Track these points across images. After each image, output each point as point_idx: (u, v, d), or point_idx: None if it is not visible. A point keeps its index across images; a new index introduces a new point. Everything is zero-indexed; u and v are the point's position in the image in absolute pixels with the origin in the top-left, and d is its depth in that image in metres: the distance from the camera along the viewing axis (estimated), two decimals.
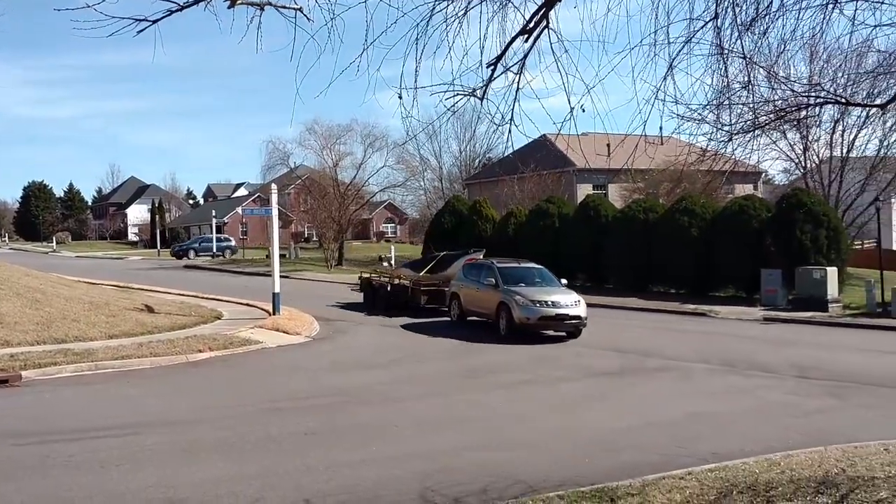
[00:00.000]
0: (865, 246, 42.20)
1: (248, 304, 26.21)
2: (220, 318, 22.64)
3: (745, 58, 5.78)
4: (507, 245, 35.64)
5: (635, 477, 8.31)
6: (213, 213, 72.74)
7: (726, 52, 5.86)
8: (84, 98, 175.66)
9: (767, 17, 5.90)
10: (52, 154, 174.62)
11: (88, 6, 4.69)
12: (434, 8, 5.59)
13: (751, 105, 6.53)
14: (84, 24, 4.75)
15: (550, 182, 44.71)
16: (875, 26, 6.34)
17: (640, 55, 5.78)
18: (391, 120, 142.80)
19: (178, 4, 5.05)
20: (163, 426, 11.00)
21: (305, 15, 5.37)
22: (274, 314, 22.81)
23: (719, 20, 5.67)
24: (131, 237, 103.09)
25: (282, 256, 40.56)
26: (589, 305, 21.05)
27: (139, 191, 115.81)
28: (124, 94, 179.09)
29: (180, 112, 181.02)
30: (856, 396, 13.61)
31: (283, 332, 20.30)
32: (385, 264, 40.40)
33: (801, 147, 37.18)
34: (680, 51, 5.79)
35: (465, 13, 5.62)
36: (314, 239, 70.48)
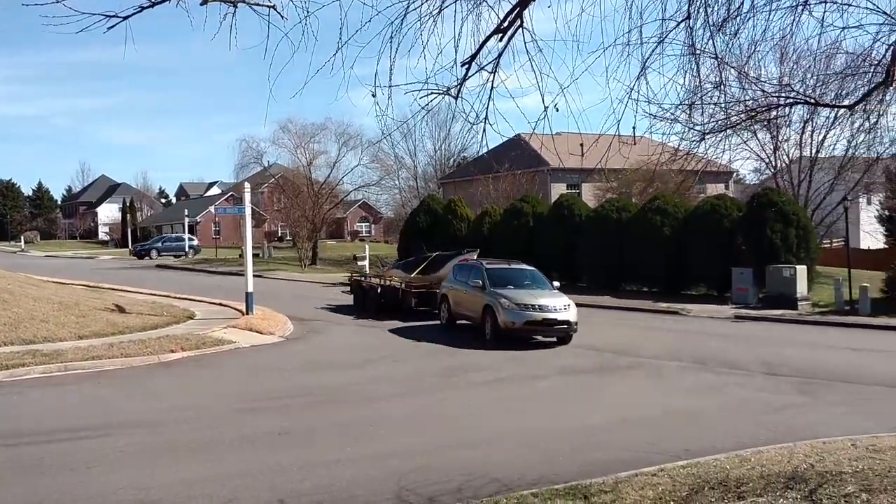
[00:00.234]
0: (834, 245, 42.85)
1: (221, 304, 25.99)
2: (192, 318, 22.43)
3: (716, 58, 5.85)
4: (481, 244, 35.63)
5: (609, 474, 8.37)
6: (186, 212, 72.06)
7: (698, 52, 5.92)
8: (54, 96, 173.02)
9: (738, 17, 5.97)
10: (20, 152, 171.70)
11: (58, 1, 4.63)
12: (408, 6, 5.59)
13: (722, 105, 6.61)
14: (54, 20, 4.69)
15: (525, 181, 44.85)
16: (843, 28, 6.45)
17: (613, 55, 5.82)
18: (366, 118, 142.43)
19: (150, 1, 5.00)
20: (135, 427, 10.88)
21: (279, 13, 5.35)
22: (247, 314, 22.65)
23: (691, 20, 5.73)
24: (102, 236, 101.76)
25: (255, 256, 40.25)
26: None
27: (110, 189, 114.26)
28: (95, 91, 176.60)
29: (152, 110, 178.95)
30: (824, 393, 13.81)
31: (257, 331, 20.17)
32: (360, 263, 40.29)
33: (772, 147, 37.64)
34: (653, 51, 5.85)
35: (439, 12, 5.63)
36: (288, 238, 70.15)
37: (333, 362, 17.16)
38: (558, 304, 19.10)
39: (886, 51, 6.60)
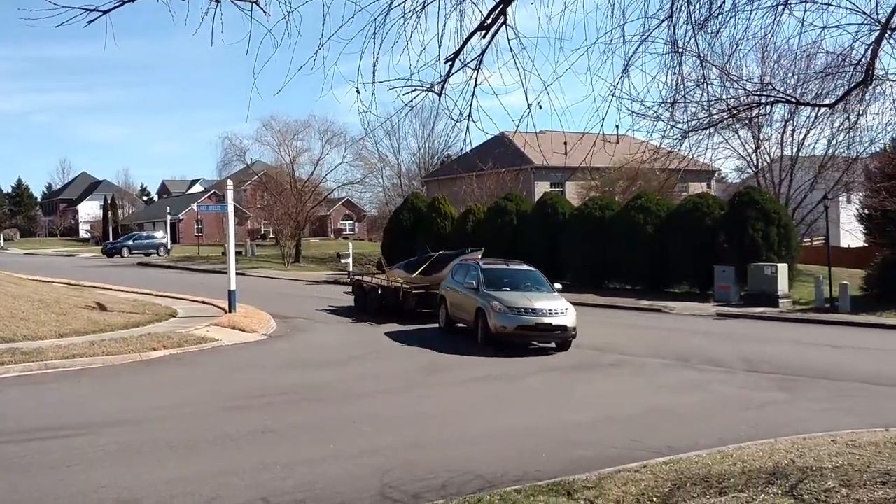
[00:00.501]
0: (815, 243, 43.23)
1: (203, 302, 25.85)
2: (174, 316, 22.29)
3: (699, 56, 5.88)
4: (465, 242, 35.71)
5: (592, 471, 8.41)
6: (168, 210, 71.64)
7: (681, 50, 5.95)
8: (32, 91, 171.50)
9: (720, 16, 6.02)
10: None
11: None
12: (392, 3, 5.58)
13: (704, 103, 6.65)
14: (32, 14, 4.64)
15: (509, 179, 44.94)
16: (823, 28, 6.51)
17: (596, 53, 5.85)
18: (350, 116, 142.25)
19: None
20: (116, 426, 10.80)
21: (262, 8, 5.32)
22: (230, 312, 22.53)
23: (674, 18, 5.75)
24: (83, 234, 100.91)
25: (238, 254, 40.04)
26: None
27: (91, 187, 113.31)
28: (75, 87, 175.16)
29: (133, 107, 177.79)
30: (805, 389, 13.94)
31: (240, 329, 20.07)
32: (343, 262, 40.18)
33: (754, 146, 37.94)
34: (636, 49, 5.87)
35: (422, 8, 5.62)
36: (271, 236, 69.79)
37: (317, 360, 17.10)
38: (555, 308, 17.79)
39: (866, 50, 6.66)
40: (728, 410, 12.40)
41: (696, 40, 5.90)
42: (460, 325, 20.16)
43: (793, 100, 7.51)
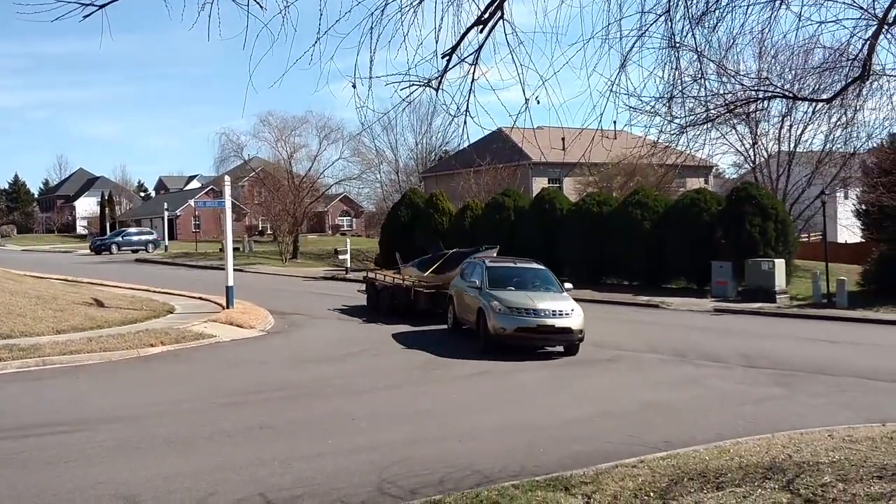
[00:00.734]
0: (812, 238, 43.27)
1: (201, 298, 25.85)
2: (172, 312, 22.29)
3: (696, 51, 5.88)
4: (463, 238, 35.74)
5: (589, 466, 8.43)
6: (166, 206, 71.54)
7: (678, 45, 5.94)
8: (29, 87, 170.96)
9: (717, 11, 6.01)
10: None
11: None
12: None
13: (702, 98, 6.65)
14: (28, 8, 4.62)
15: (506, 175, 44.91)
16: (820, 23, 6.51)
17: (593, 48, 5.84)
18: (347, 112, 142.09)
19: None
20: (113, 422, 10.79)
21: (258, 2, 5.30)
22: (228, 308, 22.52)
23: (671, 13, 5.75)
24: (80, 230, 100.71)
25: (236, 250, 40.05)
26: None
27: (88, 183, 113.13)
28: (72, 83, 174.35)
29: (130, 103, 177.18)
30: (802, 385, 13.97)
31: (237, 325, 20.06)
32: (341, 258, 40.20)
33: (751, 142, 37.94)
34: (633, 44, 5.87)
35: (420, 3, 5.61)
36: (269, 232, 69.74)
37: (314, 356, 17.10)
38: (559, 309, 16.70)
39: (863, 45, 6.66)
40: (725, 406, 12.42)
41: (693, 35, 5.90)
42: (466, 326, 18.94)
43: (790, 95, 7.52)
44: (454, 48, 5.70)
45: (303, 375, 14.81)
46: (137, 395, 12.76)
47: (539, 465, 8.74)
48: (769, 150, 38.43)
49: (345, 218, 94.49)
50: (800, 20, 6.29)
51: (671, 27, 5.83)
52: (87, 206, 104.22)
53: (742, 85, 7.43)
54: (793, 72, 13.48)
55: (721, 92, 7.03)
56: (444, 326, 20.16)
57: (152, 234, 65.76)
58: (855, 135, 32.37)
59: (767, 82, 7.70)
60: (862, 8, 6.68)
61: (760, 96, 7.12)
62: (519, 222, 36.02)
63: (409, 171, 71.72)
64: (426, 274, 22.87)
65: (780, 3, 6.14)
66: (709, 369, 15.46)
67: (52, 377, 13.90)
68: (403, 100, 5.91)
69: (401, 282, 23.13)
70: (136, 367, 15.14)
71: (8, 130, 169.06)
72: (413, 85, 5.73)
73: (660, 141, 7.40)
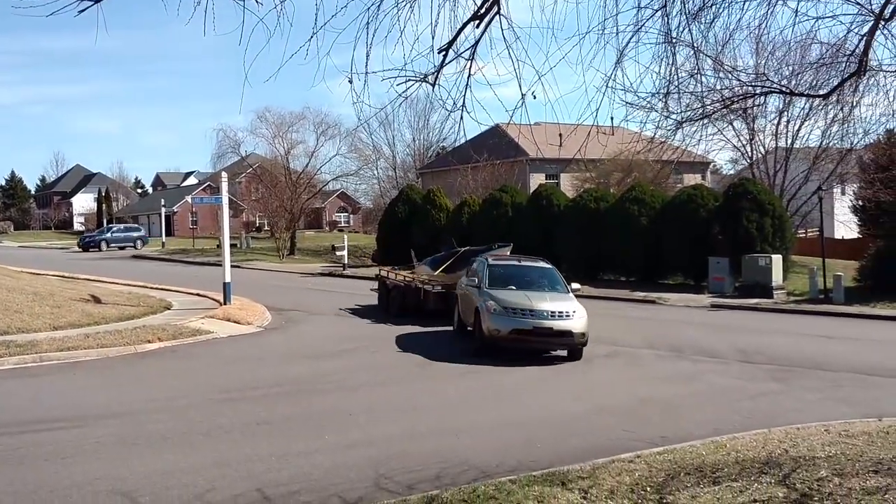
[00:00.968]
0: (809, 234, 43.36)
1: (198, 294, 25.83)
2: (169, 309, 22.28)
3: (692, 47, 5.88)
4: (460, 235, 35.73)
5: (586, 461, 8.44)
6: (163, 202, 71.45)
7: (674, 41, 5.94)
8: (24, 83, 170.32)
9: (714, 6, 6.01)
10: None
11: None
12: None
13: (698, 94, 6.65)
14: (23, 3, 4.61)
15: (504, 171, 44.91)
16: (817, 18, 6.51)
17: (590, 43, 5.84)
18: (344, 108, 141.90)
19: None
20: (110, 418, 10.79)
21: None
22: (225, 304, 22.52)
23: (667, 9, 5.75)
24: (77, 227, 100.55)
25: (233, 246, 40.05)
26: None
27: (85, 179, 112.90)
28: (67, 79, 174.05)
29: (127, 99, 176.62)
30: (798, 380, 14.00)
31: (235, 321, 20.06)
32: (338, 254, 40.20)
33: (748, 138, 37.99)
34: (630, 39, 5.86)
35: None
36: (266, 228, 69.73)
37: (312, 352, 17.10)
38: (559, 310, 15.67)
39: (860, 41, 6.66)
40: (722, 401, 12.45)
41: (689, 31, 5.90)
42: (470, 328, 17.66)
43: (787, 90, 7.52)
44: (450, 43, 5.70)
45: (300, 371, 14.81)
46: (134, 392, 12.76)
47: (536, 460, 8.75)
48: (766, 146, 38.53)
49: (342, 214, 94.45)
50: (796, 16, 6.30)
51: (667, 22, 5.84)
52: (84, 203, 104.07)
53: (739, 80, 7.44)
54: (790, 67, 13.48)
55: (717, 87, 7.04)
56: (451, 328, 19.30)
57: (140, 230, 65.59)
58: (852, 131, 32.48)
59: (764, 78, 7.70)
60: (858, 3, 6.69)
61: (757, 92, 7.13)
62: (516, 218, 36.03)
63: (407, 168, 71.71)
64: (436, 273, 22.01)
65: None
66: (706, 365, 15.48)
67: (48, 373, 13.89)
68: (400, 95, 5.91)
69: (410, 281, 22.24)
70: (133, 363, 15.13)
71: (4, 127, 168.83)
72: (409, 80, 5.72)
73: (656, 137, 7.41)
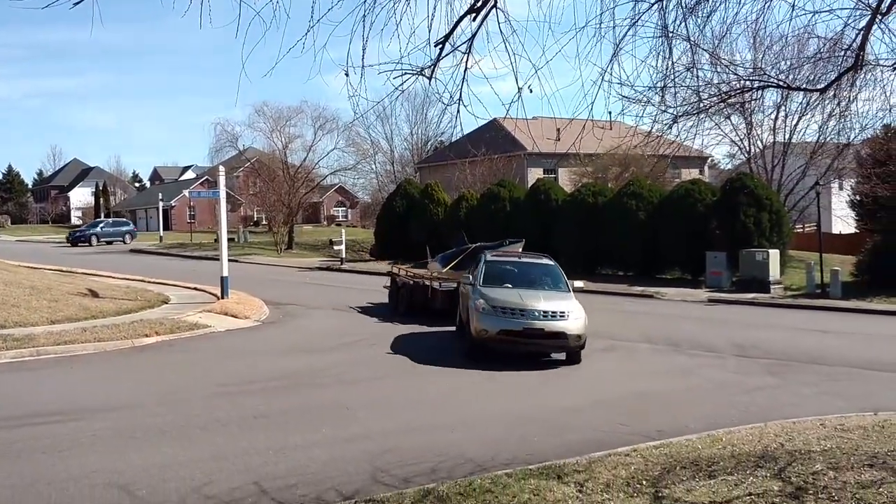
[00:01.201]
0: (806, 229, 43.41)
1: (196, 289, 25.82)
2: (167, 303, 22.28)
3: (689, 41, 5.88)
4: (458, 229, 35.74)
5: (582, 454, 8.47)
6: (160, 197, 71.33)
7: (671, 35, 5.94)
8: (22, 77, 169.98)
9: (711, 0, 6.00)
10: None
11: None
12: None
13: (694, 88, 6.65)
14: None
15: (502, 166, 44.90)
16: (814, 12, 6.50)
17: (586, 37, 5.83)
18: (342, 102, 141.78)
19: None
20: (108, 411, 10.80)
21: None
22: (222, 298, 22.51)
23: (664, 3, 5.74)
24: (75, 221, 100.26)
25: (231, 240, 39.96)
26: None
27: (82, 173, 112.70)
28: (64, 72, 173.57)
29: (124, 93, 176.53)
30: (795, 374, 14.04)
31: (232, 316, 20.06)
32: (336, 248, 40.17)
33: (746, 132, 37.99)
34: (626, 33, 5.86)
35: None
36: (264, 223, 69.65)
37: (309, 347, 17.11)
38: (553, 310, 14.64)
39: (856, 36, 6.65)
40: (718, 395, 12.48)
41: (686, 25, 5.90)
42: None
43: (783, 84, 7.52)
44: (447, 36, 5.70)
45: (297, 365, 14.82)
46: (132, 386, 12.77)
47: (532, 453, 8.78)
48: (764, 140, 38.53)
49: (340, 208, 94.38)
50: (793, 10, 6.29)
51: (664, 16, 5.84)
52: (81, 197, 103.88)
53: (736, 75, 7.44)
54: (787, 62, 13.48)
55: (714, 82, 7.05)
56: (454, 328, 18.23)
57: (129, 224, 65.36)
58: (849, 125, 32.48)
59: (761, 72, 7.71)
60: None
61: (754, 86, 7.13)
62: (514, 213, 36.05)
63: (405, 162, 71.69)
64: (444, 270, 21.27)
65: None
66: (702, 359, 15.52)
67: (46, 367, 13.89)
68: (396, 88, 5.90)
69: (419, 278, 21.51)
70: (131, 357, 15.14)
71: (1, 120, 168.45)
72: (406, 73, 5.72)
73: (653, 131, 7.42)
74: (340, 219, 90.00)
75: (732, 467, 7.67)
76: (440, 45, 5.72)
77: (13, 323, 17.12)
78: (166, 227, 70.88)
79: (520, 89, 5.79)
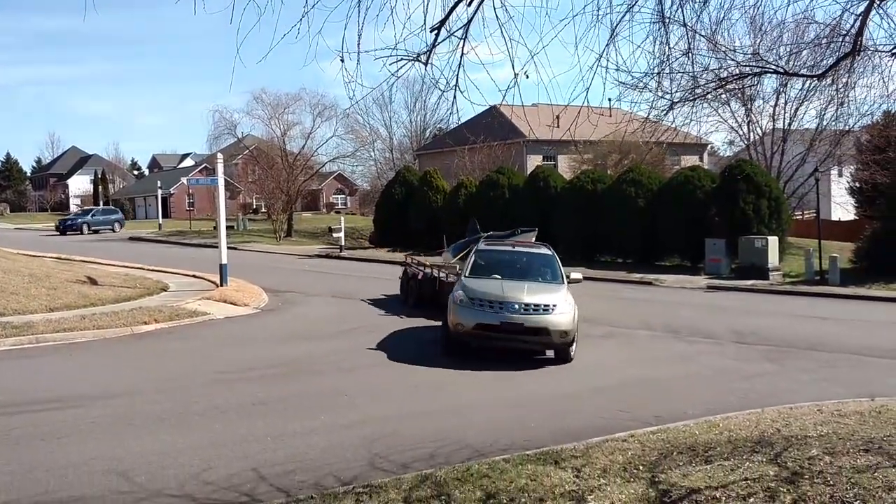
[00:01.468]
0: (806, 216, 43.40)
1: (195, 276, 25.83)
2: (166, 290, 22.29)
3: (685, 26, 5.85)
4: (457, 216, 35.78)
5: (580, 440, 8.50)
6: (159, 184, 71.24)
7: (668, 20, 5.91)
8: (19, 64, 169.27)
9: None
10: None
11: None
12: None
13: (691, 73, 6.63)
14: None
15: (501, 153, 44.83)
16: None
17: (583, 22, 5.81)
18: (341, 89, 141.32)
19: None
20: (107, 398, 10.83)
21: None
22: (221, 286, 22.51)
23: None
24: (73, 209, 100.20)
25: (230, 228, 39.98)
26: None
27: (81, 161, 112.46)
28: (61, 60, 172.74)
29: (123, 80, 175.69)
30: (793, 361, 14.08)
31: (231, 303, 20.07)
32: (335, 235, 40.16)
33: (745, 119, 37.93)
34: (622, 18, 5.83)
35: None
36: (263, 210, 69.55)
37: (308, 333, 17.13)
38: (536, 303, 13.50)
39: (855, 20, 6.63)
40: (717, 381, 12.52)
41: (682, 10, 5.87)
42: None
43: (780, 70, 7.49)
44: (442, 22, 5.67)
45: (297, 352, 14.84)
46: (131, 373, 12.79)
47: (530, 439, 8.81)
48: (764, 127, 38.46)
49: (339, 196, 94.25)
50: None
51: (661, 1, 5.81)
52: (80, 185, 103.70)
53: (734, 61, 7.41)
54: (786, 47, 13.44)
55: (712, 67, 7.02)
56: None
57: (118, 212, 65.18)
58: (848, 112, 32.45)
59: (758, 58, 7.67)
60: None
61: (750, 72, 7.11)
62: (513, 200, 36.02)
63: (404, 149, 71.61)
64: (454, 260, 20.39)
65: None
66: (701, 346, 15.55)
67: (45, 355, 13.91)
68: (392, 74, 5.88)
69: (428, 269, 20.69)
70: (130, 344, 15.16)
71: None
72: (402, 59, 5.70)
73: (650, 117, 7.40)
74: (339, 206, 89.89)
75: (729, 452, 7.69)
76: (436, 31, 5.70)
77: (12, 310, 17.14)
78: (165, 215, 70.86)
79: (516, 75, 5.77)
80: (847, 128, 35.48)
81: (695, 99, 7.01)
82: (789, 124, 37.25)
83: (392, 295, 22.20)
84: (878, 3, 6.42)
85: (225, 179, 25.22)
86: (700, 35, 6.31)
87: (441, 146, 55.55)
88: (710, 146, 50.18)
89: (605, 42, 5.90)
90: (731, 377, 12.77)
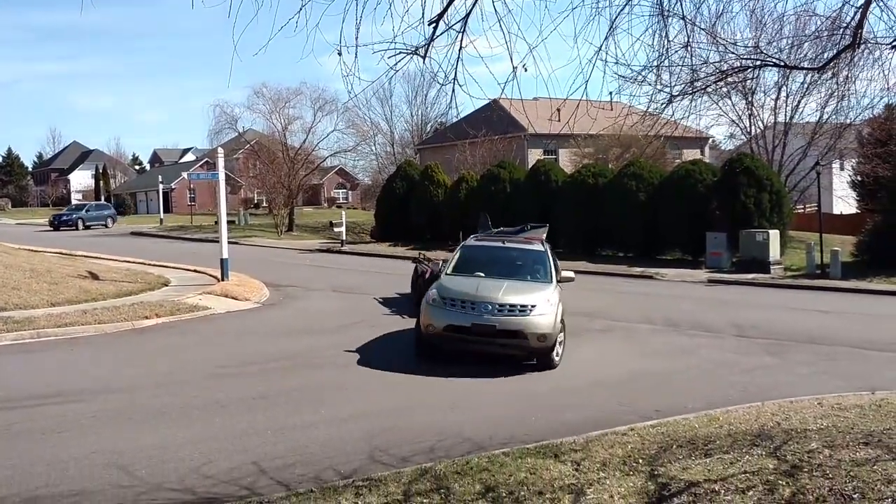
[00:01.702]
0: (807, 209, 43.34)
1: (196, 271, 25.83)
2: (167, 285, 22.29)
3: (684, 18, 5.83)
4: (458, 210, 35.77)
5: (579, 434, 8.51)
6: (160, 179, 71.22)
7: (667, 13, 5.90)
8: (20, 59, 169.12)
9: None
10: None
11: None
12: None
13: (691, 66, 6.61)
14: None
15: (502, 147, 44.76)
16: None
17: (582, 15, 5.80)
18: (341, 84, 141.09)
19: None
20: (107, 393, 10.85)
21: None
22: (223, 280, 22.53)
23: None
24: (75, 204, 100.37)
25: (231, 223, 39.96)
26: None
27: (82, 156, 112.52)
28: (62, 55, 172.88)
29: (124, 75, 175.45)
30: (793, 354, 14.07)
31: (233, 297, 20.08)
32: (336, 230, 40.15)
33: (747, 113, 37.86)
34: (621, 11, 5.82)
35: None
36: (264, 205, 69.60)
37: (309, 328, 17.15)
38: (512, 303, 12.47)
39: (855, 13, 6.60)
40: (717, 375, 12.52)
41: (681, 3, 5.85)
42: None
43: (780, 63, 7.47)
44: (441, 14, 5.65)
45: (297, 346, 14.85)
46: (132, 367, 12.81)
47: (529, 433, 8.82)
48: (765, 121, 38.39)
49: (340, 190, 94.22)
50: None
51: None
52: (81, 180, 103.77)
53: (734, 53, 7.39)
54: (787, 40, 13.41)
55: (710, 60, 7.01)
56: None
57: (110, 208, 65.13)
58: (849, 105, 32.41)
59: (759, 51, 7.66)
60: None
61: (750, 65, 7.09)
62: (514, 194, 35.98)
63: (405, 143, 71.51)
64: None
65: None
66: (702, 339, 15.55)
67: (46, 349, 13.94)
68: (391, 68, 5.87)
69: (437, 266, 19.16)
70: (131, 339, 15.18)
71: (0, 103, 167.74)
72: (400, 53, 5.69)
73: (649, 110, 7.39)
74: (341, 201, 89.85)
75: (728, 446, 7.70)
76: (434, 24, 5.68)
77: (13, 305, 17.15)
78: (167, 210, 70.85)
79: (515, 68, 5.76)
80: (848, 121, 35.41)
81: (694, 92, 7.00)
82: (791, 118, 37.17)
83: (399, 292, 21.69)
84: None
85: (226, 174, 25.23)
86: (700, 28, 6.29)
87: (442, 140, 55.48)
88: (711, 140, 50.12)
89: (604, 35, 5.89)
90: (732, 370, 12.78)
